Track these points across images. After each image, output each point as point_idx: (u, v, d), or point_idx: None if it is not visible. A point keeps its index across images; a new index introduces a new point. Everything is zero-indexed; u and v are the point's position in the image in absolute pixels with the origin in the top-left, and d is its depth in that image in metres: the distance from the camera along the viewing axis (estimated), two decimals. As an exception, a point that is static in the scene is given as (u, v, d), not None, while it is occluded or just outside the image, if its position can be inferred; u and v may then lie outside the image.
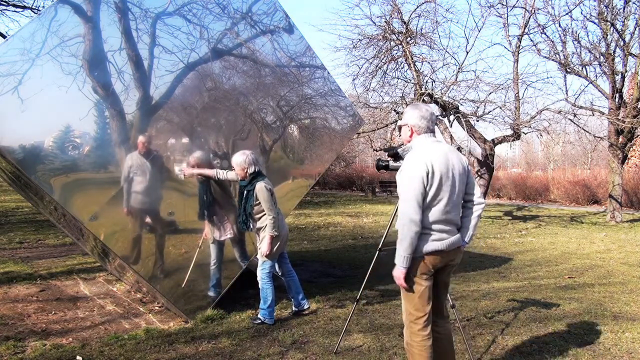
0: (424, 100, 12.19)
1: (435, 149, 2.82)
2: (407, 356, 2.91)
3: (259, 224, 4.44)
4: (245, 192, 4.39)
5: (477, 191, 2.97)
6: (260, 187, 4.32)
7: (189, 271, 4.47)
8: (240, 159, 4.36)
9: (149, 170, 4.29)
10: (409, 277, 2.82)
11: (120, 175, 4.13)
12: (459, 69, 12.30)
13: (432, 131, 2.91)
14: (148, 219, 4.36)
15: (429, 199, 2.74)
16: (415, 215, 2.69)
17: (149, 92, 4.32)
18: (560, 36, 13.69)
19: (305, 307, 4.78)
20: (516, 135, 13.34)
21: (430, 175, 2.72)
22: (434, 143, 2.86)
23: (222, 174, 4.53)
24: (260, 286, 4.50)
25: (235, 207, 4.68)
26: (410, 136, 2.92)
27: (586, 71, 13.77)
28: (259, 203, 4.35)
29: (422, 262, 2.79)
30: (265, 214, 4.37)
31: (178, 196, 4.54)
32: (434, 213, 2.77)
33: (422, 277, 2.81)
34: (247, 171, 4.37)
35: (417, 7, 12.45)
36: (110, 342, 3.94)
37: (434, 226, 2.78)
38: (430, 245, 2.77)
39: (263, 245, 4.41)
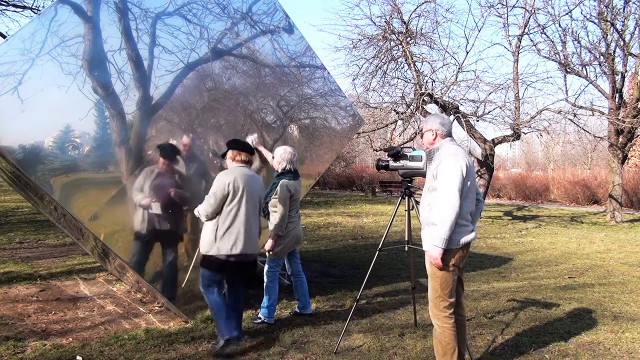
0: (424, 101, 12.19)
1: (461, 149, 3.24)
2: (436, 342, 3.22)
3: (271, 219, 4.46)
4: (272, 183, 4.53)
5: (480, 190, 3.38)
6: (282, 183, 4.40)
7: (189, 271, 4.47)
8: (279, 152, 4.51)
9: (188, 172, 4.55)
10: (445, 263, 3.10)
11: (121, 175, 4.13)
12: (459, 69, 12.29)
13: (451, 135, 3.32)
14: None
15: (464, 192, 3.09)
16: (456, 202, 3.01)
17: (149, 92, 4.32)
18: (560, 36, 13.73)
19: (309, 311, 4.78)
20: (516, 135, 13.34)
21: (466, 171, 3.10)
22: (457, 145, 3.27)
23: (271, 160, 4.68)
24: (265, 284, 4.51)
25: None
26: (435, 139, 3.28)
27: (586, 71, 13.78)
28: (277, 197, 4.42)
29: (457, 253, 3.11)
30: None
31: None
32: (466, 206, 3.11)
33: (453, 269, 3.14)
34: (279, 164, 4.48)
35: (417, 7, 12.46)
36: (110, 342, 3.94)
37: (468, 217, 3.14)
38: (467, 237, 3.11)
39: (267, 243, 4.45)
